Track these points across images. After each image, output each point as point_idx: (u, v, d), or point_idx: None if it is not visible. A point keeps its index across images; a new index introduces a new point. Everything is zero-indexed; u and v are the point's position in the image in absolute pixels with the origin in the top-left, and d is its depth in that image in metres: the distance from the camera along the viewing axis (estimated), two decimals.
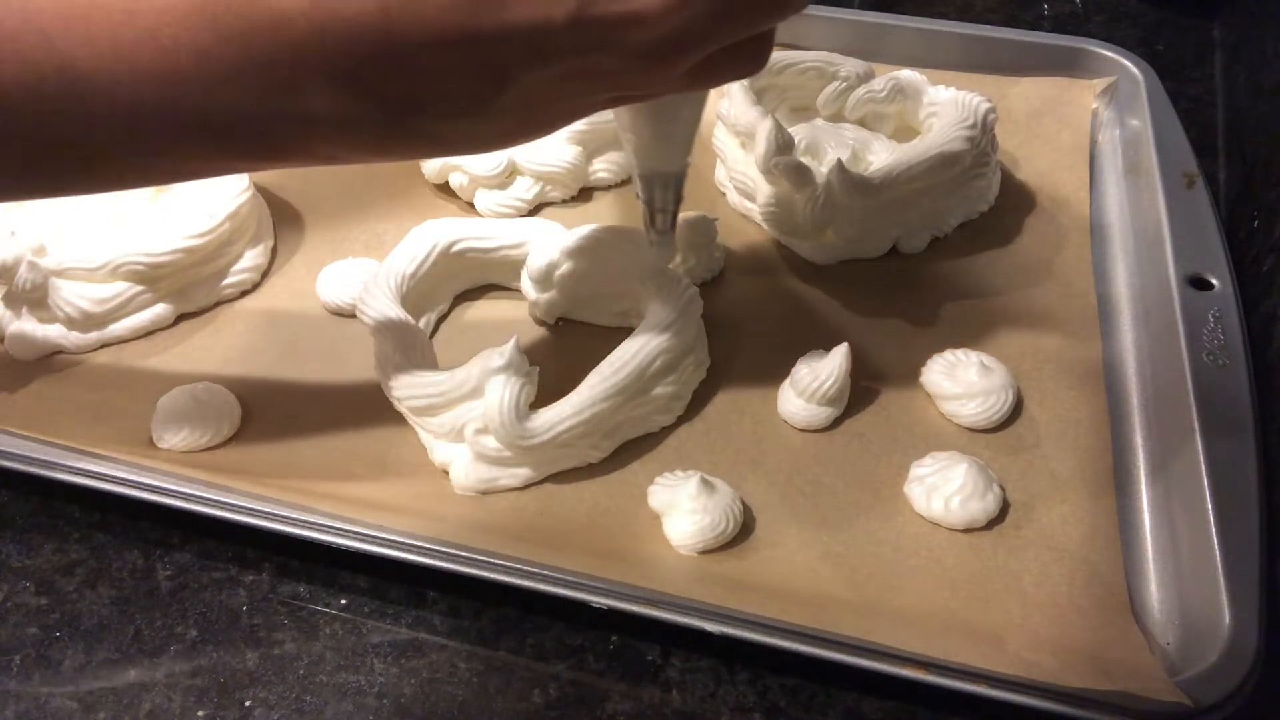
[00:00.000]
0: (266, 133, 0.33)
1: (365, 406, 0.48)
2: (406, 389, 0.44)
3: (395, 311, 0.47)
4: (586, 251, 0.50)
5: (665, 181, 0.44)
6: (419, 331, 0.46)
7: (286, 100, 0.31)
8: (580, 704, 0.39)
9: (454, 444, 0.45)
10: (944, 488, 0.43)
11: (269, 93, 0.31)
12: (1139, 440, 0.47)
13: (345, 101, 0.31)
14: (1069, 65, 0.65)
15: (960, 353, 0.48)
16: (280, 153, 0.34)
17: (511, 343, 0.43)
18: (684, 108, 0.41)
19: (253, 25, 0.30)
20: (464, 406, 0.44)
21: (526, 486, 0.45)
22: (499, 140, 0.35)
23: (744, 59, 0.35)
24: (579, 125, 0.57)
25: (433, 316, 0.52)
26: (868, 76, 0.60)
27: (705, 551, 0.42)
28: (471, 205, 0.58)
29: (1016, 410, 0.47)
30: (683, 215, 0.53)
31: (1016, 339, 0.51)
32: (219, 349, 0.51)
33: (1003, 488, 0.44)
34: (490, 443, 0.43)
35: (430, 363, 0.45)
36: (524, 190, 0.57)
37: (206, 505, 0.42)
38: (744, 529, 0.43)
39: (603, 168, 0.59)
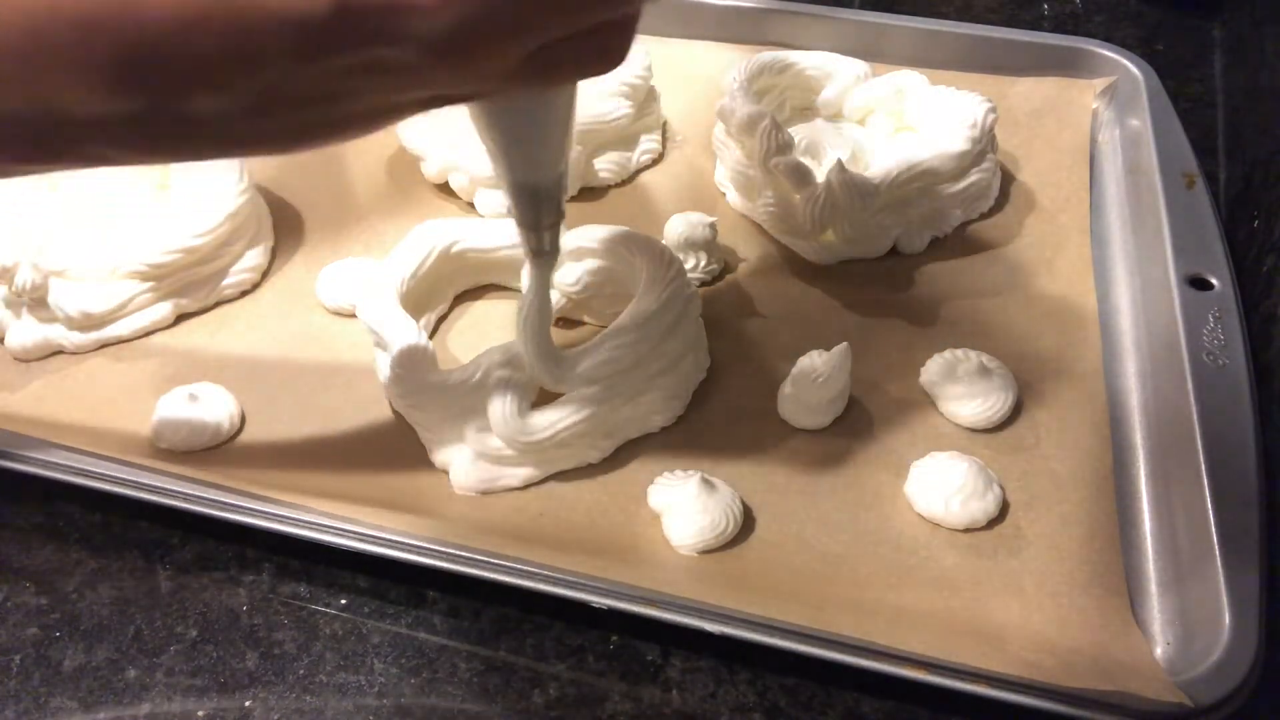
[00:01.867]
0: (17, 135, 0.29)
1: (365, 406, 0.48)
2: (406, 389, 0.44)
3: (395, 312, 0.47)
4: (587, 252, 0.50)
5: (535, 193, 0.38)
6: (419, 332, 0.46)
7: (37, 97, 0.28)
8: (580, 704, 0.39)
9: (454, 444, 0.45)
10: (944, 488, 0.43)
11: (16, 90, 0.28)
12: (1139, 440, 0.47)
13: (101, 98, 0.28)
14: (1069, 65, 0.65)
15: (960, 353, 0.48)
16: (39, 155, 0.31)
17: (512, 342, 0.43)
18: (540, 110, 0.35)
19: None
20: (464, 406, 0.44)
21: (526, 486, 0.45)
22: (293, 139, 0.31)
23: (588, 54, 0.30)
24: (578, 125, 0.57)
25: (433, 316, 0.52)
26: (868, 76, 0.60)
27: (705, 551, 0.42)
28: (471, 205, 0.58)
29: (1016, 410, 0.47)
30: (682, 215, 0.54)
31: (1016, 339, 0.51)
32: (219, 349, 0.51)
33: (1003, 488, 0.44)
34: (492, 441, 0.43)
35: (430, 363, 0.45)
36: None
37: (206, 505, 0.42)
38: (744, 529, 0.43)
39: (603, 167, 0.59)
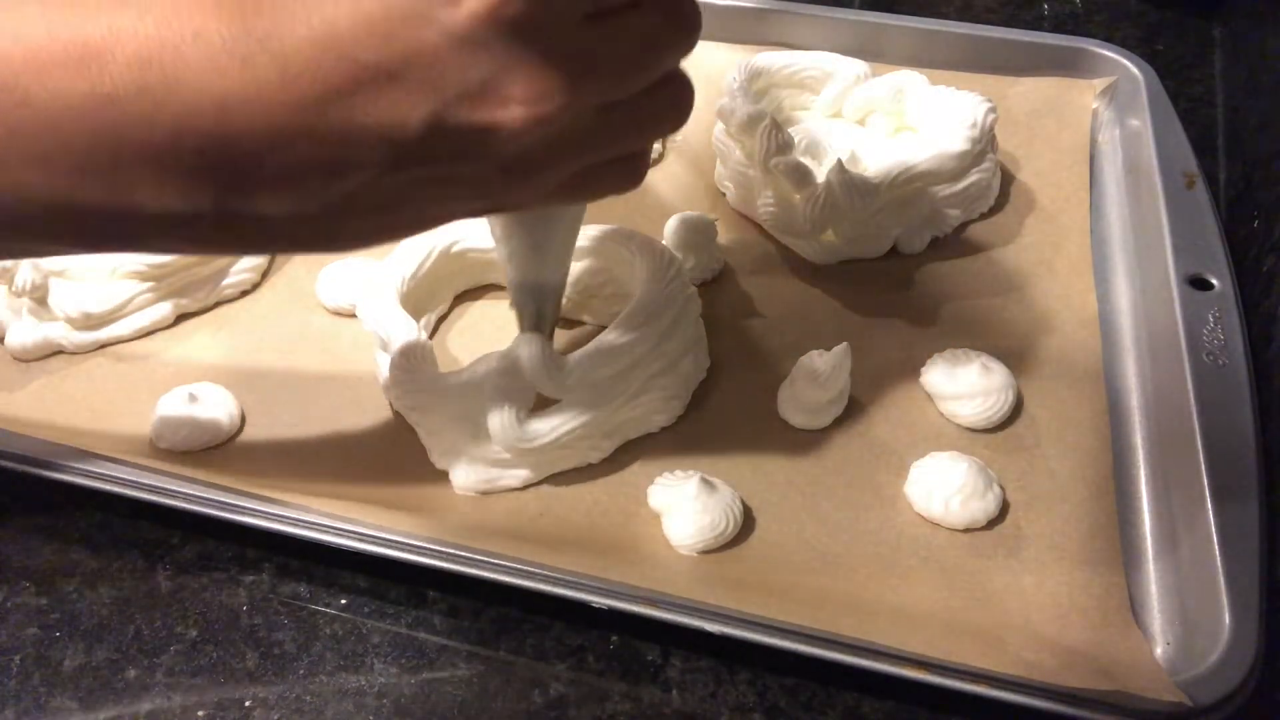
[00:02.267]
0: (88, 225, 0.29)
1: (365, 407, 0.48)
2: (406, 391, 0.44)
3: (395, 312, 0.47)
4: (587, 252, 0.50)
5: (542, 292, 0.42)
6: (419, 332, 0.46)
7: (111, 192, 0.28)
8: (580, 704, 0.39)
9: (454, 444, 0.45)
10: (944, 488, 0.43)
11: (92, 184, 0.28)
12: (1139, 440, 0.47)
13: (172, 195, 0.28)
14: (1069, 65, 0.65)
15: (960, 353, 0.48)
16: (107, 245, 0.31)
17: (509, 348, 0.43)
18: (560, 219, 0.40)
19: (68, 106, 0.27)
20: (464, 408, 0.44)
21: (526, 487, 0.45)
22: (354, 240, 0.33)
23: (617, 175, 0.34)
24: None
25: (433, 317, 0.52)
26: (868, 76, 0.60)
27: (705, 551, 0.42)
28: None
29: (1016, 410, 0.47)
30: (682, 215, 0.54)
31: (1016, 339, 0.51)
32: (219, 349, 0.51)
33: (1003, 488, 0.44)
34: (491, 446, 0.43)
35: (430, 364, 0.45)
36: None
37: (206, 505, 0.42)
38: (744, 529, 0.43)
39: None
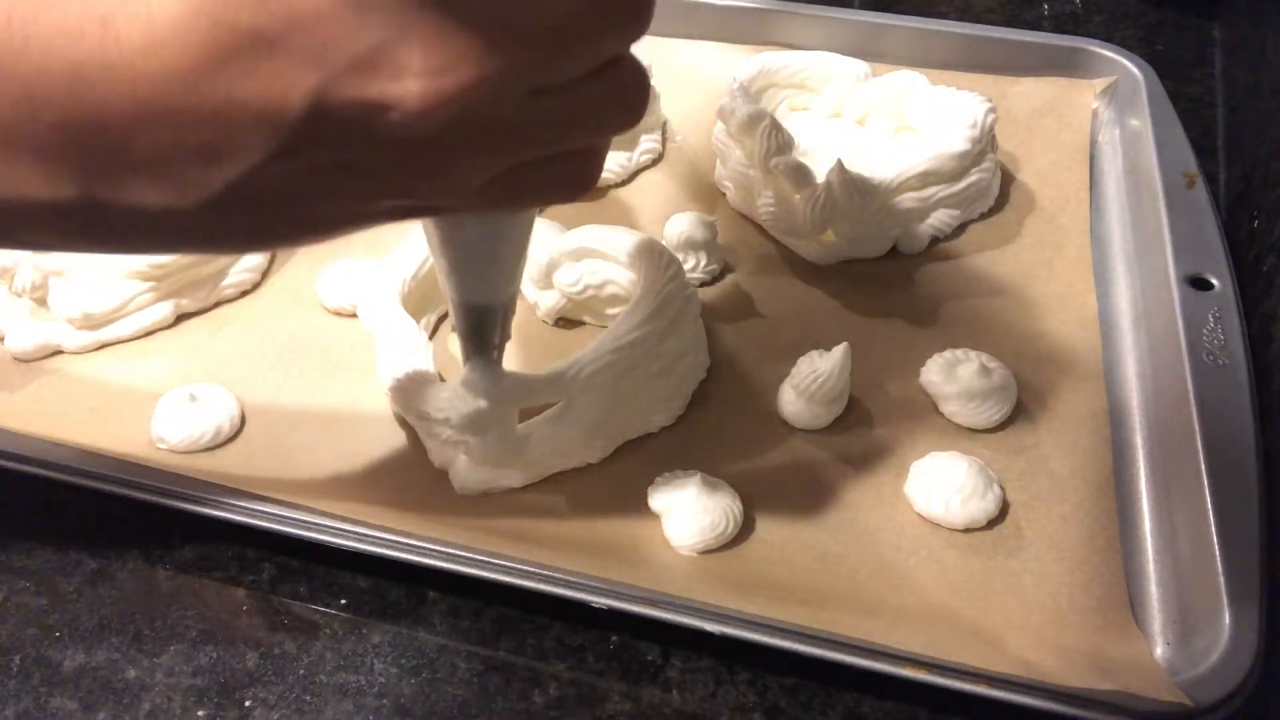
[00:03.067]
0: None
1: (365, 407, 0.48)
2: (405, 394, 0.44)
3: (395, 312, 0.47)
4: (586, 252, 0.50)
5: (485, 315, 0.37)
6: (419, 334, 0.46)
7: None
8: (580, 704, 0.39)
9: (453, 445, 0.45)
10: (944, 488, 0.43)
11: None
12: (1139, 440, 0.47)
13: (31, 180, 0.25)
14: (1069, 65, 0.65)
15: (960, 353, 0.48)
16: None
17: (479, 388, 0.40)
18: (503, 230, 0.34)
19: None
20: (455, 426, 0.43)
21: (526, 487, 0.45)
22: (247, 241, 0.29)
23: (560, 178, 0.29)
24: None
25: (433, 317, 0.52)
26: (868, 76, 0.60)
27: (705, 551, 0.42)
28: None
29: (1016, 410, 0.47)
30: (682, 215, 0.54)
31: (1016, 339, 0.51)
32: (219, 349, 0.51)
33: (1003, 488, 0.44)
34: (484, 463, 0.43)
35: (430, 367, 0.45)
36: None
37: (206, 505, 0.42)
38: (744, 529, 0.43)
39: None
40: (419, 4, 0.23)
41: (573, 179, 0.29)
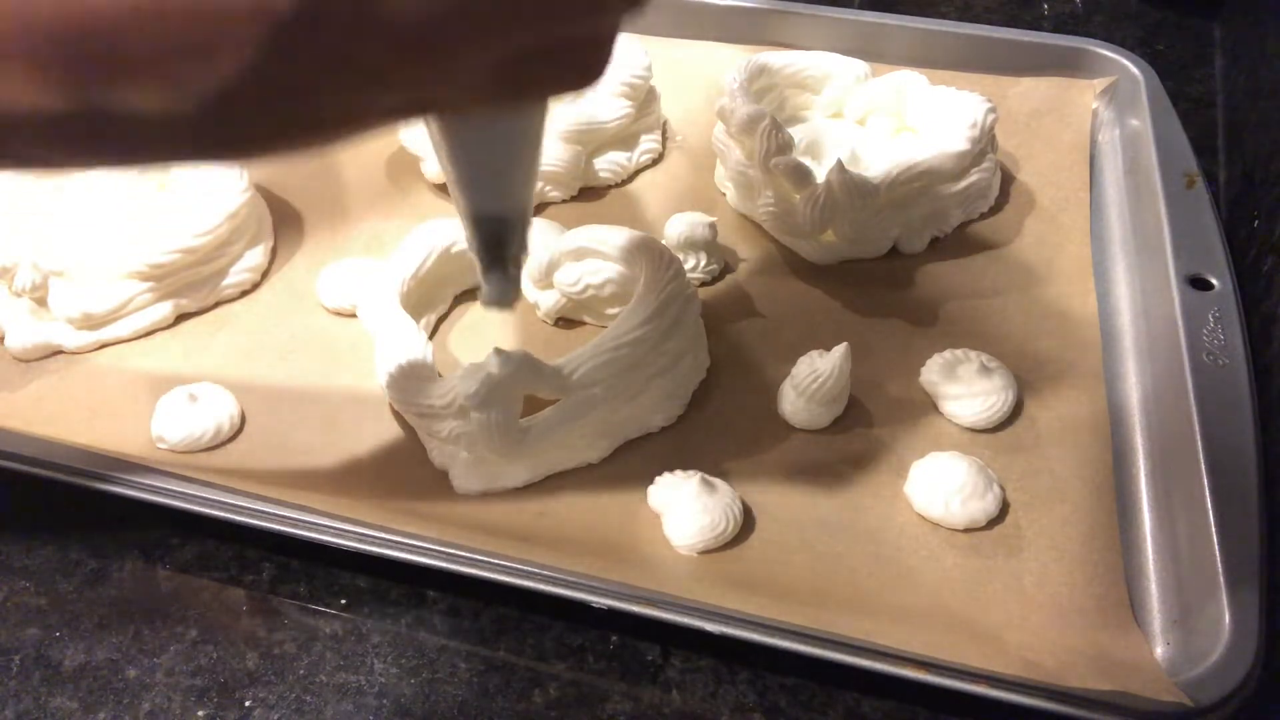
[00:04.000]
0: None
1: (365, 406, 0.48)
2: (405, 394, 0.44)
3: (396, 313, 0.47)
4: (586, 252, 0.50)
5: (500, 226, 0.35)
6: (419, 334, 0.46)
7: None
8: (580, 704, 0.39)
9: (453, 445, 0.45)
10: (944, 488, 0.43)
11: None
12: (1139, 440, 0.47)
13: (31, 87, 0.25)
14: (1069, 65, 0.65)
15: (960, 353, 0.48)
16: None
17: (491, 360, 0.41)
18: (512, 131, 0.33)
19: None
20: (461, 410, 0.43)
21: (526, 486, 0.45)
22: (254, 147, 0.29)
23: (562, 69, 0.28)
24: (577, 125, 0.57)
25: (433, 317, 0.52)
26: (868, 76, 0.60)
27: (705, 551, 0.42)
28: None
29: (1016, 410, 0.47)
30: (682, 215, 0.54)
31: (1016, 339, 0.51)
32: (219, 349, 0.51)
33: (1003, 488, 0.44)
34: (487, 452, 0.43)
35: (430, 366, 0.45)
36: None
37: (206, 505, 0.42)
38: (744, 529, 0.43)
39: (603, 167, 0.59)
40: None
41: (580, 67, 0.28)
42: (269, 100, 0.26)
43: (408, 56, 0.26)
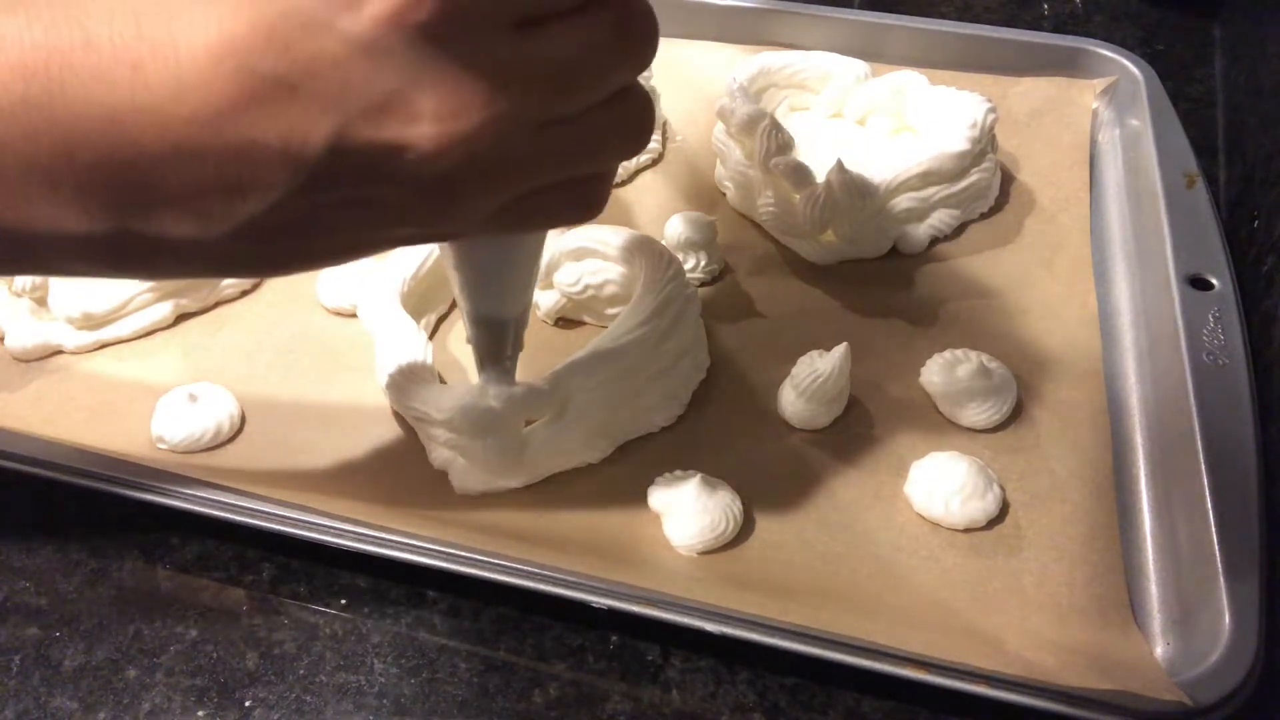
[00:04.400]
0: None
1: (365, 407, 0.48)
2: (404, 395, 0.44)
3: (395, 312, 0.47)
4: (587, 252, 0.50)
5: (498, 328, 0.39)
6: (419, 334, 0.46)
7: (9, 212, 0.27)
8: (580, 704, 0.39)
9: (453, 445, 0.45)
10: (944, 488, 0.43)
11: None
12: (1139, 440, 0.47)
13: (68, 214, 0.27)
14: (1069, 65, 0.65)
15: (960, 353, 0.48)
16: (12, 270, 0.31)
17: (491, 392, 0.41)
18: (515, 249, 0.36)
19: None
20: (455, 432, 0.43)
21: (526, 487, 0.45)
22: (272, 268, 0.32)
23: (568, 203, 0.30)
24: None
25: (433, 317, 0.52)
26: (868, 76, 0.60)
27: (705, 551, 0.42)
28: None
29: (1016, 410, 0.47)
30: (682, 215, 0.54)
31: (1016, 339, 0.51)
32: (219, 349, 0.51)
33: (1003, 488, 0.44)
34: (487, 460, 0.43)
35: (430, 367, 0.45)
36: None
37: (206, 505, 0.42)
38: (744, 529, 0.43)
39: None
40: (431, 52, 0.25)
41: (581, 204, 0.31)
42: (291, 231, 0.28)
43: (428, 202, 0.28)
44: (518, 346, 0.40)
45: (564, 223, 0.32)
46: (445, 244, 0.36)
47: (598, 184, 0.31)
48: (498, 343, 0.39)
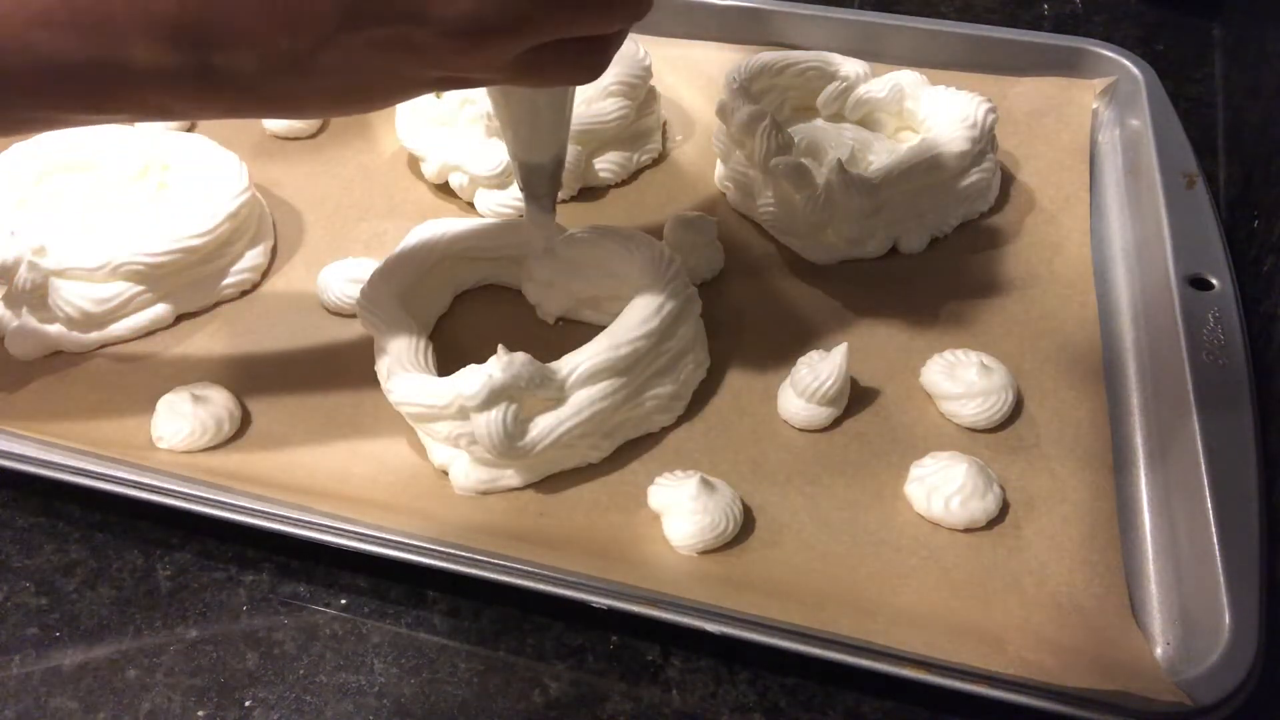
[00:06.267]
0: (92, 82, 0.34)
1: (365, 406, 0.48)
2: (404, 394, 0.44)
3: (396, 312, 0.47)
4: (587, 251, 0.50)
5: (533, 170, 0.46)
6: (419, 333, 0.46)
7: (108, 48, 0.33)
8: (580, 704, 0.39)
9: (453, 445, 0.45)
10: (944, 488, 0.43)
11: (90, 41, 0.33)
12: (1139, 440, 0.47)
13: (161, 51, 0.33)
14: (1069, 65, 0.65)
15: (960, 353, 0.48)
16: (111, 103, 0.36)
17: (493, 363, 0.42)
18: (540, 102, 0.42)
19: None
20: (461, 411, 0.43)
21: (526, 486, 0.45)
22: (324, 104, 0.37)
23: (571, 63, 0.36)
24: (577, 124, 0.57)
25: (433, 316, 0.52)
26: (868, 76, 0.60)
27: (705, 551, 0.42)
28: (471, 205, 0.58)
29: (1016, 410, 0.47)
30: (682, 215, 0.54)
31: (1016, 339, 0.51)
32: (219, 349, 0.51)
33: (1003, 488, 0.44)
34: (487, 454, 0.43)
35: (430, 366, 0.45)
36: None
37: (206, 505, 0.42)
38: (744, 529, 0.43)
39: (603, 167, 0.59)
40: None
41: (585, 64, 0.36)
42: (340, 68, 0.34)
43: (452, 43, 0.33)
44: (556, 187, 0.47)
45: (571, 81, 0.38)
46: (491, 94, 0.43)
47: (600, 46, 0.36)
48: (536, 182, 0.47)
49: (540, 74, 0.36)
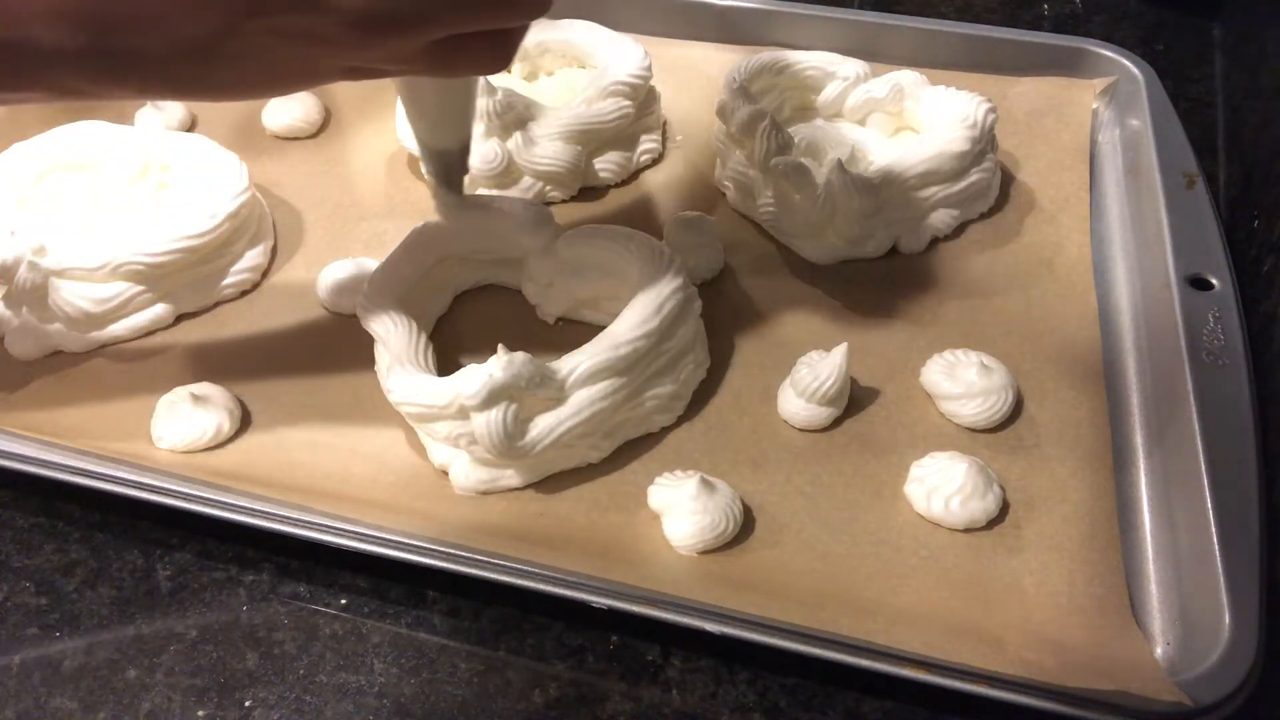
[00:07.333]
0: (5, 59, 0.34)
1: (365, 406, 0.48)
2: (404, 394, 0.44)
3: (395, 312, 0.47)
4: (587, 251, 0.50)
5: (441, 156, 0.47)
6: (419, 333, 0.46)
7: (10, 28, 0.33)
8: (580, 704, 0.39)
9: (453, 445, 0.45)
10: (944, 488, 0.43)
11: (4, 20, 0.33)
12: (1139, 440, 0.47)
13: (64, 32, 0.33)
14: (1069, 65, 0.65)
15: (960, 353, 0.48)
16: (18, 82, 0.35)
17: (493, 363, 0.42)
18: (445, 92, 0.44)
19: None
20: (462, 411, 0.43)
21: (526, 486, 0.45)
22: (235, 89, 0.36)
23: (477, 55, 0.36)
24: (577, 124, 0.57)
25: (433, 316, 0.52)
26: (868, 76, 0.60)
27: (705, 551, 0.42)
28: None
29: (1016, 410, 0.47)
30: (682, 215, 0.54)
31: (1016, 339, 0.51)
32: (219, 349, 0.51)
33: (1003, 488, 0.44)
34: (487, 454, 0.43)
35: (429, 366, 0.45)
36: (524, 189, 0.57)
37: (206, 505, 0.42)
38: (744, 529, 0.43)
39: (603, 167, 0.59)
40: None
41: (491, 56, 0.36)
42: (244, 54, 0.34)
43: (355, 34, 0.33)
44: (463, 171, 0.48)
45: (474, 72, 0.40)
46: (398, 85, 0.44)
47: (503, 40, 0.36)
48: (444, 168, 0.47)
49: (447, 65, 0.36)
